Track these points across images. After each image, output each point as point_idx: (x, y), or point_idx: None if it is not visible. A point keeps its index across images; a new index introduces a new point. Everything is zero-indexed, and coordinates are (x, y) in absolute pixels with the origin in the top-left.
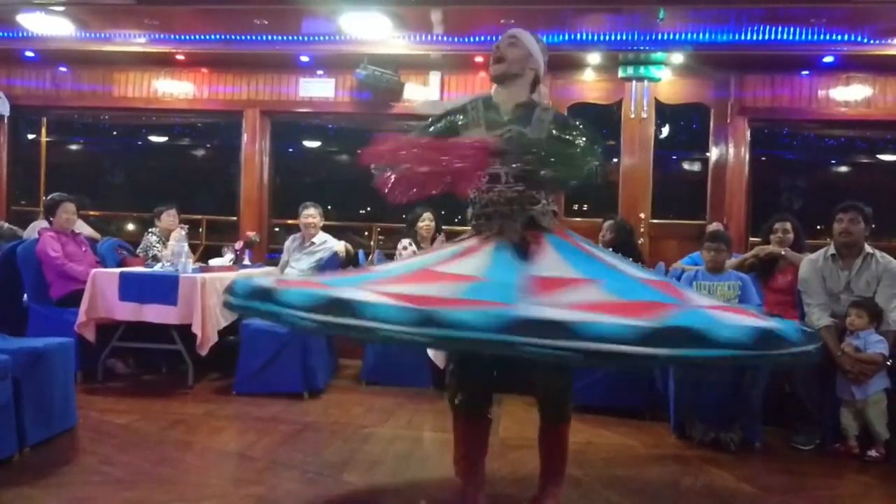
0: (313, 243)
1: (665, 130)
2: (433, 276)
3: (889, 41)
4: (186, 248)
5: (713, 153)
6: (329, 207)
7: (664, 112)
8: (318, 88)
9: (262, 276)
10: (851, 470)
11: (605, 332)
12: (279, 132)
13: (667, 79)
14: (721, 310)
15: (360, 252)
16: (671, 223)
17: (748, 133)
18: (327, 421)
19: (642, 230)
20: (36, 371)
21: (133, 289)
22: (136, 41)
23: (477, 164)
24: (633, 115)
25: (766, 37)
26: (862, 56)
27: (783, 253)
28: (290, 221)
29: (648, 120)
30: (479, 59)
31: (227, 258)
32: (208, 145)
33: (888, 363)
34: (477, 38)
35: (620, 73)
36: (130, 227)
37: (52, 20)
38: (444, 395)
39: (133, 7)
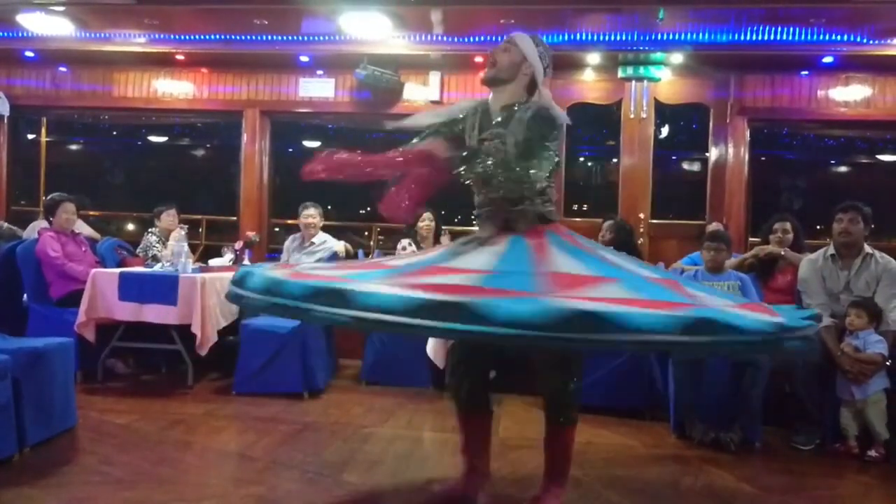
0: (313, 243)
1: (665, 130)
2: (444, 270)
3: (889, 41)
4: (186, 248)
5: (713, 153)
6: (329, 207)
7: (664, 112)
8: (317, 88)
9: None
10: (851, 470)
11: (650, 322)
12: (279, 132)
13: (666, 79)
14: (731, 307)
15: (360, 252)
16: (671, 223)
17: (748, 133)
18: (327, 421)
19: (642, 230)
20: (36, 371)
21: (133, 289)
22: (136, 41)
23: (395, 169)
24: (632, 115)
25: (766, 37)
26: (861, 56)
27: (783, 253)
28: (289, 221)
29: (648, 120)
30: (478, 59)
31: (227, 258)
32: (208, 145)
33: (888, 363)
34: (477, 38)
35: (620, 73)
36: (130, 227)
37: (52, 20)
38: (444, 394)
39: (133, 7)
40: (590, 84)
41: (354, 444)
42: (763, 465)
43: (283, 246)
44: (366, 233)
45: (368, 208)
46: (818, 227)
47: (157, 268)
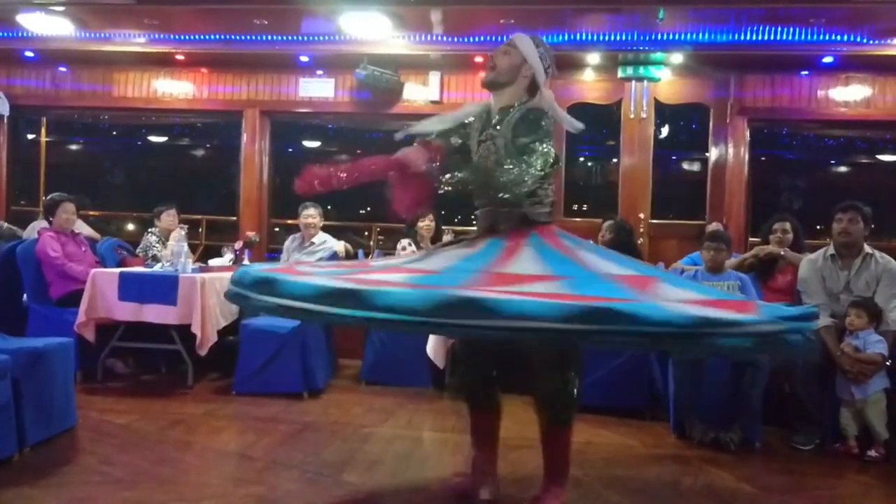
0: (313, 243)
1: (665, 130)
2: (400, 269)
3: (888, 41)
4: (186, 248)
5: (713, 153)
6: (329, 207)
7: (664, 112)
8: (317, 88)
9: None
10: (851, 470)
11: (527, 309)
12: (279, 132)
13: (666, 79)
14: (691, 303)
15: (360, 252)
16: (671, 223)
17: (748, 133)
18: (327, 421)
19: (642, 230)
20: (36, 371)
21: (133, 289)
22: (136, 41)
23: (378, 174)
24: (632, 115)
25: (766, 37)
26: (861, 56)
27: (783, 253)
28: (289, 221)
29: (648, 120)
30: (478, 59)
31: (227, 258)
32: (208, 145)
33: (887, 363)
34: (477, 38)
35: (620, 73)
36: (130, 227)
37: (52, 20)
38: (444, 394)
39: (133, 7)
40: (590, 84)
41: (354, 443)
42: (763, 465)
43: (283, 246)
44: (366, 233)
45: (368, 208)
46: (818, 227)
47: (157, 268)
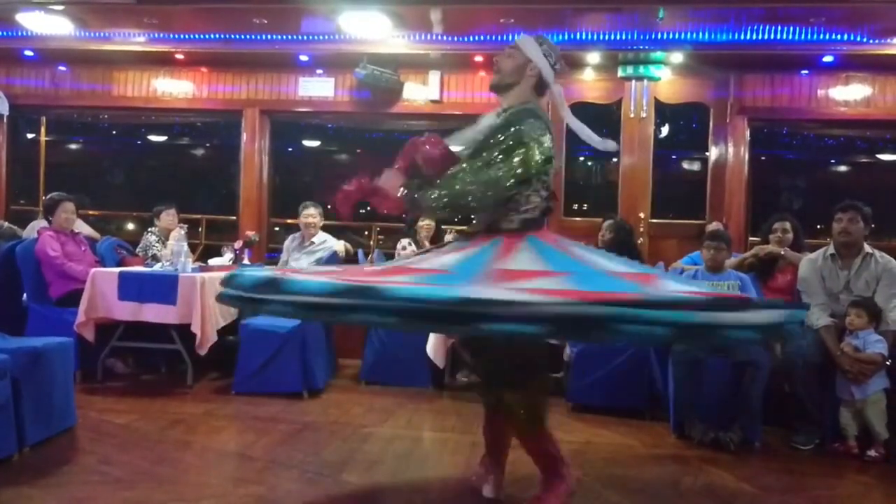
0: (313, 243)
1: (665, 130)
2: (406, 270)
3: (888, 41)
4: (186, 247)
5: (713, 153)
6: (329, 207)
7: (664, 111)
8: (317, 88)
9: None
10: (851, 470)
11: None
12: (278, 131)
13: (666, 78)
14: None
15: (360, 251)
16: (671, 223)
17: (748, 132)
18: (326, 421)
19: (642, 230)
20: (35, 371)
21: (132, 288)
22: (136, 40)
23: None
24: (632, 115)
25: (766, 36)
26: (861, 56)
27: (782, 252)
28: (289, 221)
29: (648, 119)
30: (478, 58)
31: (227, 258)
32: (208, 145)
33: (887, 363)
34: (476, 38)
35: (620, 73)
36: (130, 226)
37: (52, 19)
38: (443, 394)
39: (133, 6)
40: (590, 83)
41: (354, 443)
42: (763, 465)
43: (283, 245)
44: (365, 232)
45: (368, 208)
46: (818, 226)
47: (157, 267)
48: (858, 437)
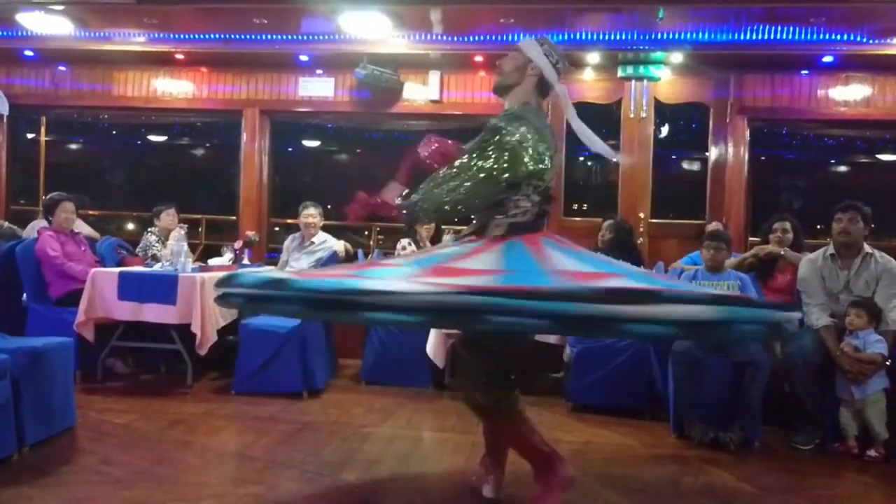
0: (313, 243)
1: (664, 130)
2: (453, 271)
3: (888, 41)
4: (186, 247)
5: (712, 153)
6: (329, 207)
7: (664, 111)
8: (317, 88)
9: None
10: (851, 470)
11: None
12: (278, 131)
13: (666, 78)
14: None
15: (360, 251)
16: (670, 223)
17: (747, 133)
18: (326, 420)
19: (641, 230)
20: (35, 371)
21: (132, 288)
22: (136, 40)
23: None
24: (632, 115)
25: (766, 36)
26: (861, 56)
27: (782, 253)
28: (289, 221)
29: (648, 119)
30: (478, 58)
31: (227, 258)
32: (208, 145)
33: (887, 363)
34: (476, 38)
35: (620, 73)
36: (130, 226)
37: (52, 19)
38: (443, 394)
39: (133, 6)
40: (589, 83)
41: (354, 443)
42: (763, 465)
43: (283, 245)
44: (365, 232)
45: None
46: (818, 226)
47: (157, 267)
48: (858, 437)
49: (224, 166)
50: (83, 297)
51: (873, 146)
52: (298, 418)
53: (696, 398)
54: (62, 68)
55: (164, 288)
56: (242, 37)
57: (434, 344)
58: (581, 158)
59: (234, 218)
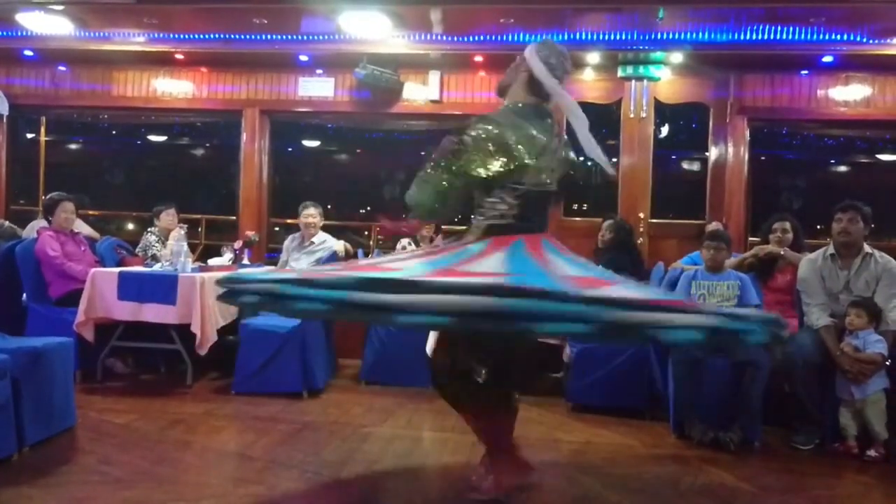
0: (313, 243)
1: (664, 130)
2: (462, 274)
3: (888, 41)
4: (185, 247)
5: (712, 153)
6: (329, 207)
7: (663, 111)
8: (317, 88)
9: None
10: (851, 470)
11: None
12: (278, 131)
13: (666, 78)
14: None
15: (360, 251)
16: (670, 223)
17: (747, 133)
18: (326, 420)
19: (641, 230)
20: (35, 371)
21: (132, 288)
22: (136, 40)
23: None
24: (632, 115)
25: (766, 36)
26: (861, 56)
27: (782, 253)
28: (289, 221)
29: (648, 119)
30: (478, 58)
31: (227, 258)
32: (207, 145)
33: (887, 363)
34: (476, 38)
35: (620, 73)
36: (130, 226)
37: (52, 19)
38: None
39: (132, 6)
40: (589, 83)
41: (354, 443)
42: (762, 465)
43: (283, 245)
44: (365, 232)
45: (368, 208)
46: (818, 226)
47: (157, 267)
48: (858, 437)
49: (224, 166)
50: (83, 297)
51: (873, 146)
52: (298, 418)
53: (696, 398)
54: (62, 68)
55: (163, 288)
56: (242, 37)
57: (434, 343)
58: (581, 158)
59: (234, 218)
